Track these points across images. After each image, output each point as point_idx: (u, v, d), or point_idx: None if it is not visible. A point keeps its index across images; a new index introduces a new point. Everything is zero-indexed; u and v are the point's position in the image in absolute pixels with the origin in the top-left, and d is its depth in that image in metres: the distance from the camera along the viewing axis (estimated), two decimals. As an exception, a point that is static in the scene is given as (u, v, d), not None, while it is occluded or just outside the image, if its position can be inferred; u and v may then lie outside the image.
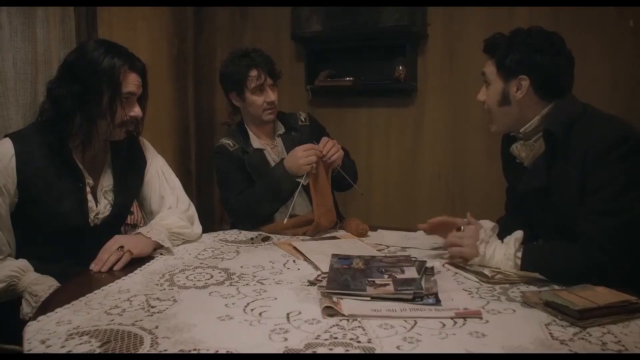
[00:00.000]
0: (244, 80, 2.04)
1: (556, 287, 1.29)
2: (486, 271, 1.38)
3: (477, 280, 1.36)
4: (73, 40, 2.36)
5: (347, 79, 3.27)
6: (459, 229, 1.55)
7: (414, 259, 1.43)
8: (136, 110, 1.60)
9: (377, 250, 1.65)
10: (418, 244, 1.73)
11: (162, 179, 1.80)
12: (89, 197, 1.61)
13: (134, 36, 2.83)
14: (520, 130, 1.51)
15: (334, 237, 1.83)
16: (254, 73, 2.03)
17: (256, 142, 2.11)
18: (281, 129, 2.17)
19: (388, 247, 1.70)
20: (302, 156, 1.84)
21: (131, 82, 1.57)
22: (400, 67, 3.14)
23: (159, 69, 3.05)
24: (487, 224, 1.51)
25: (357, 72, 3.29)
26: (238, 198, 1.97)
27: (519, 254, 1.37)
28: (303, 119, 2.21)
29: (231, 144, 2.06)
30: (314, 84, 3.38)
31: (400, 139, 3.32)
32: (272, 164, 2.03)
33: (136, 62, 1.59)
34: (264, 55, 2.08)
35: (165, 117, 3.20)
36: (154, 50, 3.05)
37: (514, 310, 1.16)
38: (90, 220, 1.62)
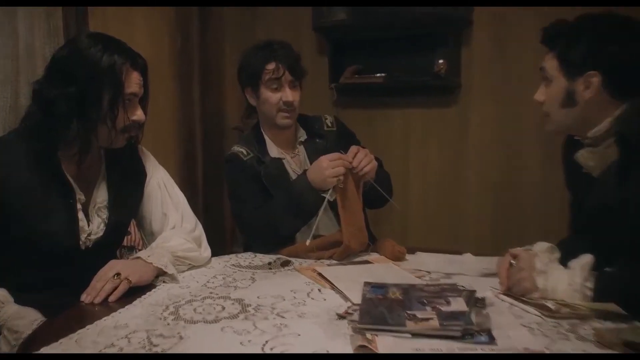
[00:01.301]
0: (259, 74, 2.06)
1: (638, 323, 1.25)
2: (549, 303, 1.34)
3: (539, 314, 1.33)
4: (60, 34, 2.39)
5: (378, 75, 3.27)
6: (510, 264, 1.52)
7: (461, 287, 1.40)
8: (139, 114, 1.63)
9: (417, 277, 1.64)
10: (465, 269, 1.71)
11: (164, 194, 1.81)
12: (80, 215, 1.63)
13: (130, 30, 2.86)
14: (588, 135, 1.48)
15: (366, 262, 1.82)
16: (271, 66, 2.05)
17: (274, 150, 2.11)
18: (303, 136, 2.17)
19: (429, 273, 1.69)
20: (328, 167, 1.84)
21: (134, 82, 1.59)
22: (441, 61, 3.13)
23: (160, 67, 3.08)
24: (541, 246, 1.48)
25: (389, 67, 3.29)
26: (253, 215, 1.97)
27: (589, 284, 1.34)
28: (329, 124, 2.21)
29: (245, 152, 2.07)
30: (339, 81, 3.38)
31: (441, 144, 3.30)
32: (293, 175, 2.04)
33: (138, 59, 1.62)
34: (288, 49, 2.09)
35: (167, 122, 3.23)
36: (154, 45, 3.08)
37: (586, 352, 1.13)
38: (81, 242, 1.63)
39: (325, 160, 1.86)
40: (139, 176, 1.79)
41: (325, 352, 1.12)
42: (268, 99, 2.08)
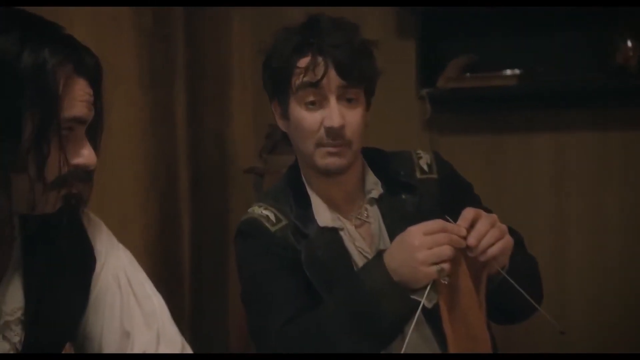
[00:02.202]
0: (287, 75, 2.07)
1: None
2: None
3: None
4: None
5: (509, 72, 3.29)
6: None
7: None
8: (86, 154, 1.61)
9: None
10: None
11: (127, 297, 1.80)
12: (-25, 333, 1.64)
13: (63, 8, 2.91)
14: None
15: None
16: (304, 62, 2.04)
17: (325, 213, 2.11)
18: (377, 187, 2.17)
19: None
20: (423, 246, 1.82)
21: (79, 98, 1.59)
22: (628, 43, 3.12)
23: (116, 68, 3.12)
24: None
25: (527, 60, 3.32)
26: (287, 330, 1.97)
27: None
28: (425, 166, 2.21)
29: (273, 218, 2.09)
30: (436, 85, 3.39)
31: (630, 197, 3.26)
32: (359, 261, 2.05)
33: (86, 58, 1.62)
34: (342, 30, 2.07)
35: (129, 163, 3.26)
36: (104, 29, 3.13)
37: None
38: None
39: (418, 235, 1.84)
40: (83, 265, 1.79)
41: None
42: (300, 121, 2.07)
